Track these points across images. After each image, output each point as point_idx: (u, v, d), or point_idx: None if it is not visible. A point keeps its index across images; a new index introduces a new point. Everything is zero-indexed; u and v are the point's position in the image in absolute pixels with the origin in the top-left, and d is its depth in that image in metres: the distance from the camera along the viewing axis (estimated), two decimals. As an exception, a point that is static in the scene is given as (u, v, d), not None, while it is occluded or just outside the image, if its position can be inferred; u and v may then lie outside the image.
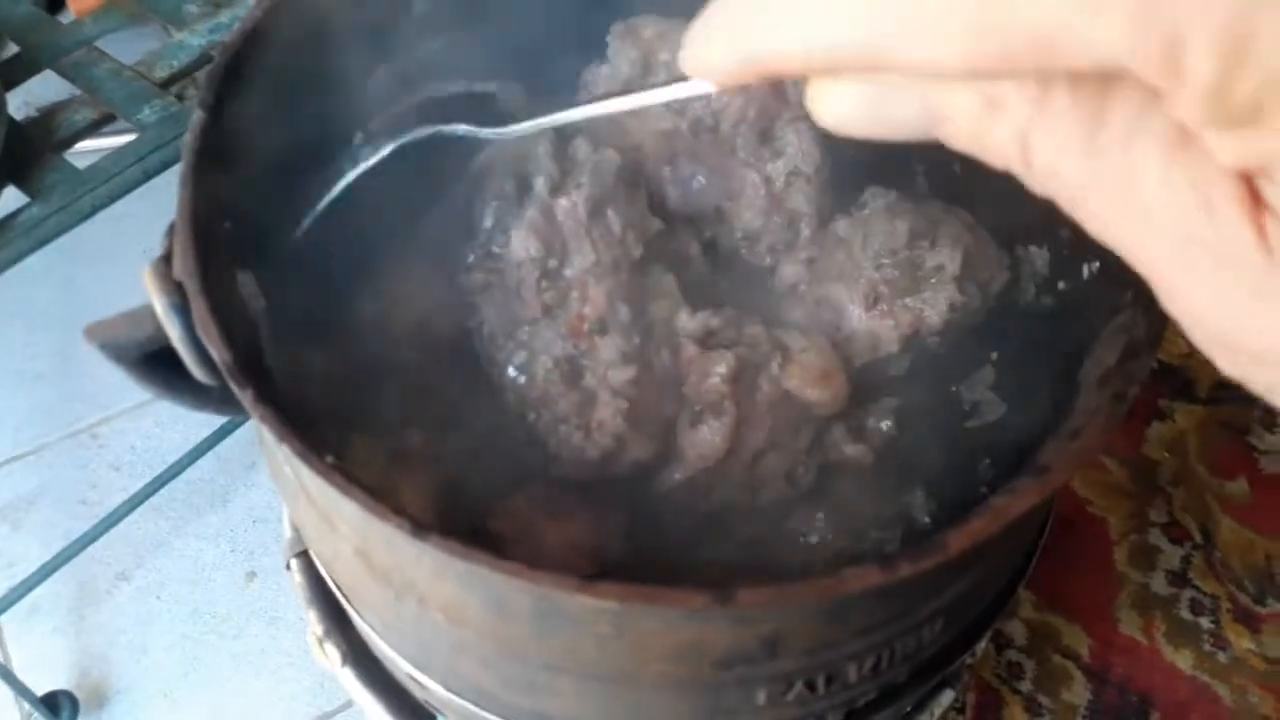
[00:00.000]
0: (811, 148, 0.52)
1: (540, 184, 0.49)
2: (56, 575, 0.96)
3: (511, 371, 0.48)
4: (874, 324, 0.51)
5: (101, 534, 0.97)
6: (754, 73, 0.21)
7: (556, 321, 0.47)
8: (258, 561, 1.06)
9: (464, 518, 0.47)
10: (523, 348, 0.48)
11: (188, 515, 1.09)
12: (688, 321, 0.48)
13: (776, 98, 0.53)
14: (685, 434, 0.48)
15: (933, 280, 0.51)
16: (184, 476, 1.03)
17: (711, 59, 0.22)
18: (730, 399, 0.47)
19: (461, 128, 0.46)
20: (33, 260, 0.73)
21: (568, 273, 0.48)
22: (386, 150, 0.46)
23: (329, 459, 0.35)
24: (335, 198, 0.47)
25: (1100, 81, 0.18)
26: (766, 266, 0.55)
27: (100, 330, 0.40)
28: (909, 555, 0.35)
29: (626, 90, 0.54)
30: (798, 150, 0.53)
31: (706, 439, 0.47)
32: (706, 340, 0.48)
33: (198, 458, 1.03)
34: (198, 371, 0.39)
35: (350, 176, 0.46)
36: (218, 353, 0.37)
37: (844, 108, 0.21)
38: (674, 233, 0.52)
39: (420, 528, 0.34)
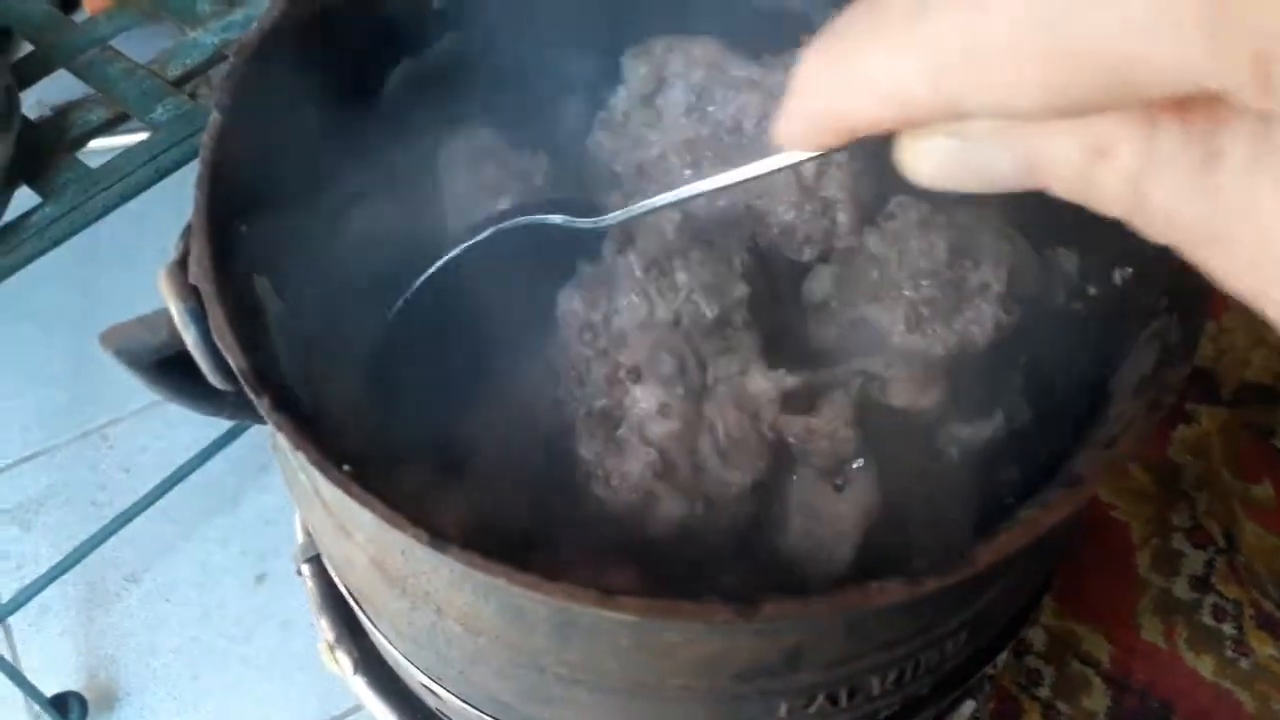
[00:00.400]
0: None
1: (607, 249, 0.48)
2: (66, 577, 0.96)
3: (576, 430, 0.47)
4: (917, 345, 0.49)
5: (111, 536, 0.97)
6: (839, 134, 0.20)
7: (593, 372, 0.46)
8: (268, 565, 1.05)
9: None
10: (572, 400, 0.47)
11: (198, 518, 1.08)
12: (761, 381, 0.45)
13: None
14: (828, 502, 0.45)
15: (976, 300, 0.49)
16: (194, 478, 1.03)
17: (797, 128, 0.21)
18: (862, 443, 0.45)
19: (557, 217, 0.46)
20: (45, 261, 0.73)
21: (616, 323, 0.46)
22: (485, 234, 0.46)
23: (346, 468, 0.35)
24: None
25: (1211, 112, 0.16)
26: (806, 262, 0.53)
27: (115, 336, 0.39)
28: (936, 569, 0.34)
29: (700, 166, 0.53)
30: None
31: (862, 499, 0.45)
32: (788, 402, 0.45)
33: (208, 460, 1.03)
34: (214, 378, 0.38)
35: (445, 258, 0.46)
36: (235, 359, 0.37)
37: (933, 164, 0.20)
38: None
39: (439, 537, 0.34)
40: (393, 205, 0.52)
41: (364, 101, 0.50)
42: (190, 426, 1.12)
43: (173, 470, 1.01)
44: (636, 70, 0.54)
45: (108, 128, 0.75)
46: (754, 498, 0.46)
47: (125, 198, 0.70)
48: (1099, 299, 0.47)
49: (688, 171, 0.52)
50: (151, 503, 0.99)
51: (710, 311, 0.46)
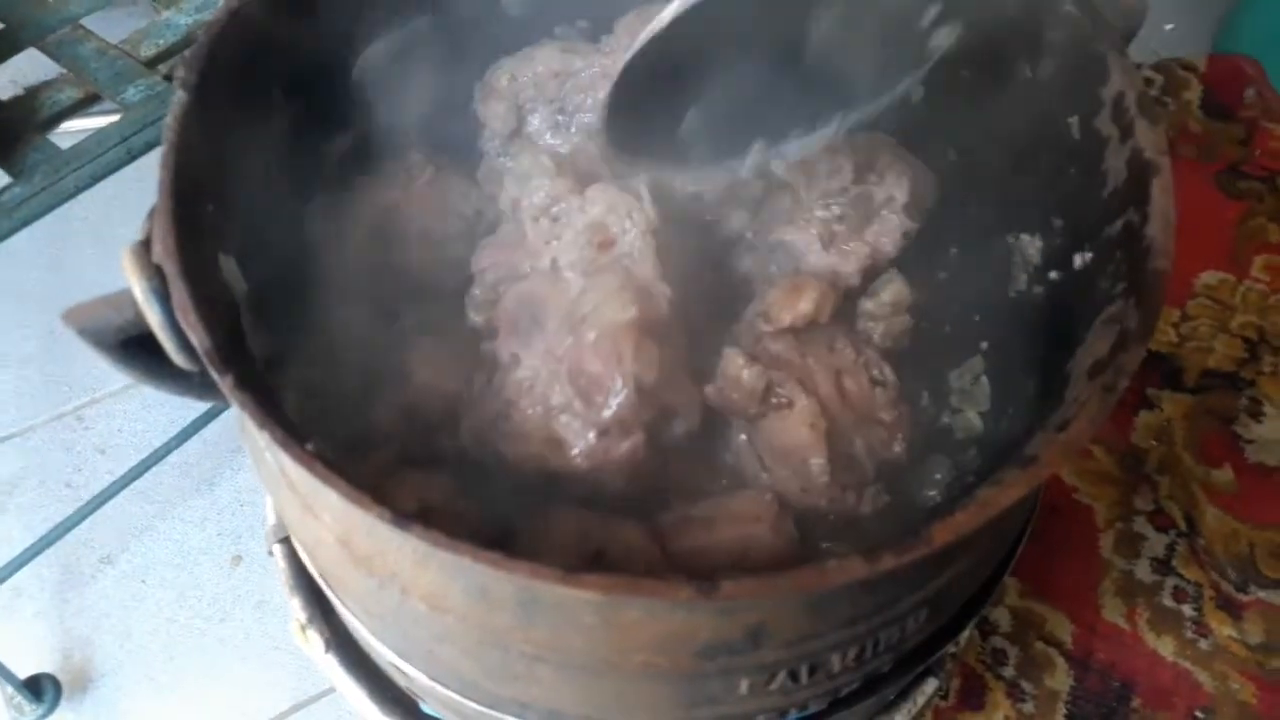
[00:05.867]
0: None
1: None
2: (40, 558, 0.95)
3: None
4: (833, 261, 0.52)
5: (86, 517, 0.96)
6: None
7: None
8: (244, 546, 1.05)
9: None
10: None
11: (173, 499, 1.08)
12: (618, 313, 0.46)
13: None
14: (781, 432, 0.48)
15: (884, 211, 0.52)
16: (170, 460, 1.02)
17: None
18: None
19: None
20: (21, 242, 0.72)
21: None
22: None
23: (309, 446, 0.35)
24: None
25: None
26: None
27: (79, 314, 0.39)
28: (893, 547, 0.34)
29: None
30: None
31: (805, 417, 0.47)
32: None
33: (184, 441, 1.02)
34: (178, 357, 0.38)
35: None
36: (197, 338, 0.37)
37: None
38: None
39: (402, 517, 0.34)
40: (360, 185, 0.52)
41: (336, 79, 0.50)
42: (166, 408, 1.12)
43: (148, 452, 1.00)
44: (493, 110, 0.55)
45: (79, 108, 0.74)
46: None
47: (96, 178, 0.70)
48: (1060, 284, 0.48)
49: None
50: (127, 484, 0.98)
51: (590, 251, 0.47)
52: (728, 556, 0.44)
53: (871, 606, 0.40)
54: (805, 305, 0.49)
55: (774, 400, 0.47)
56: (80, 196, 0.72)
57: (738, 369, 0.47)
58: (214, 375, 0.36)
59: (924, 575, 0.41)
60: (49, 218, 0.72)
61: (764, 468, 0.47)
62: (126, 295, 0.38)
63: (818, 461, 0.46)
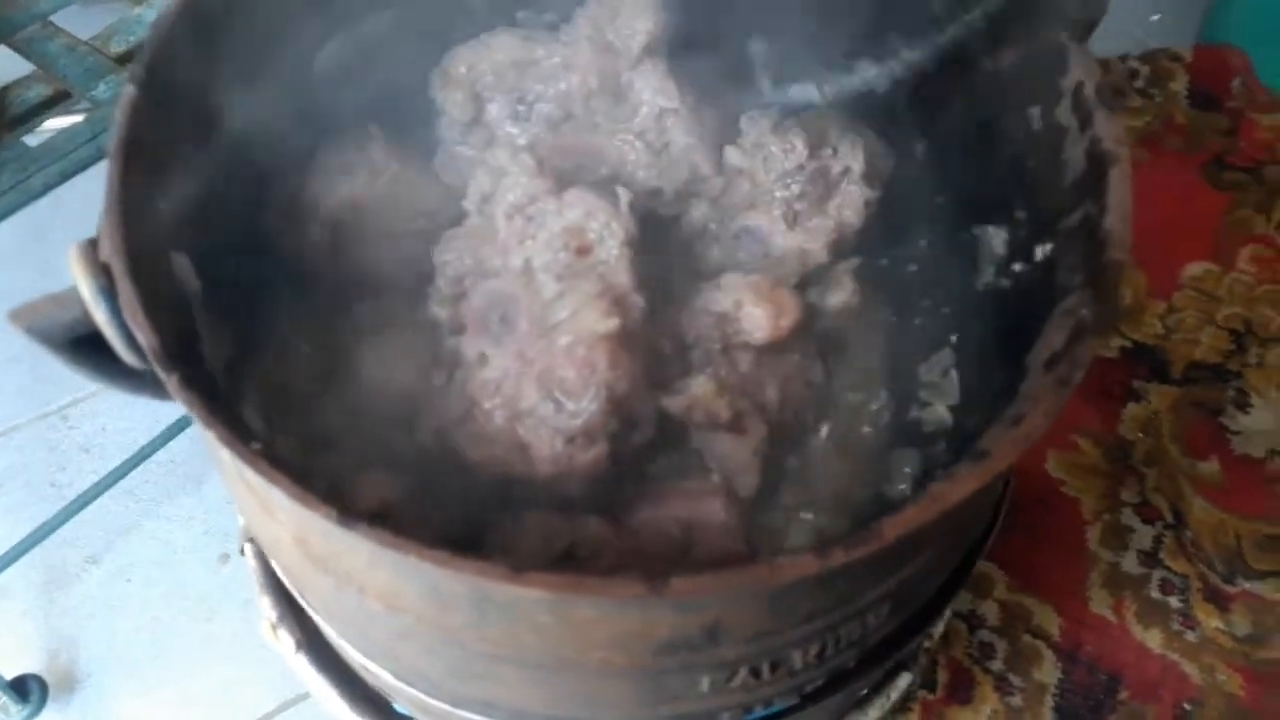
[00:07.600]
0: (664, 82, 0.52)
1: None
2: (25, 558, 0.95)
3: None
4: (800, 240, 0.52)
5: (71, 517, 0.96)
6: None
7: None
8: (231, 544, 1.05)
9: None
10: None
11: (159, 497, 1.08)
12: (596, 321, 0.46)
13: (607, 52, 0.52)
14: (724, 444, 0.48)
15: (843, 184, 0.52)
16: (156, 458, 1.02)
17: None
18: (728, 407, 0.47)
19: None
20: (5, 242, 0.72)
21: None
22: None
23: (255, 445, 0.35)
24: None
25: None
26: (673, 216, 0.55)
27: (26, 314, 0.39)
28: (845, 542, 0.34)
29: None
30: (653, 92, 0.52)
31: (751, 439, 0.47)
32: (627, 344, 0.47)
33: (170, 439, 1.02)
34: (126, 356, 0.38)
35: None
36: (144, 337, 0.36)
37: None
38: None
39: (348, 515, 0.34)
40: (320, 181, 0.51)
41: (294, 75, 0.50)
42: (151, 406, 1.11)
43: (134, 450, 1.00)
44: (451, 99, 0.54)
45: (48, 106, 0.74)
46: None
47: (65, 176, 0.69)
48: (1023, 276, 0.48)
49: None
50: (113, 483, 0.98)
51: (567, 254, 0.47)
52: (679, 526, 0.44)
53: (829, 602, 0.40)
54: (786, 322, 0.49)
55: (728, 421, 0.47)
56: (66, 196, 0.72)
57: (710, 396, 0.47)
58: (160, 374, 0.36)
59: (882, 570, 0.40)
60: (35, 217, 0.72)
61: (709, 465, 0.47)
62: (74, 293, 0.38)
63: (750, 480, 0.47)
